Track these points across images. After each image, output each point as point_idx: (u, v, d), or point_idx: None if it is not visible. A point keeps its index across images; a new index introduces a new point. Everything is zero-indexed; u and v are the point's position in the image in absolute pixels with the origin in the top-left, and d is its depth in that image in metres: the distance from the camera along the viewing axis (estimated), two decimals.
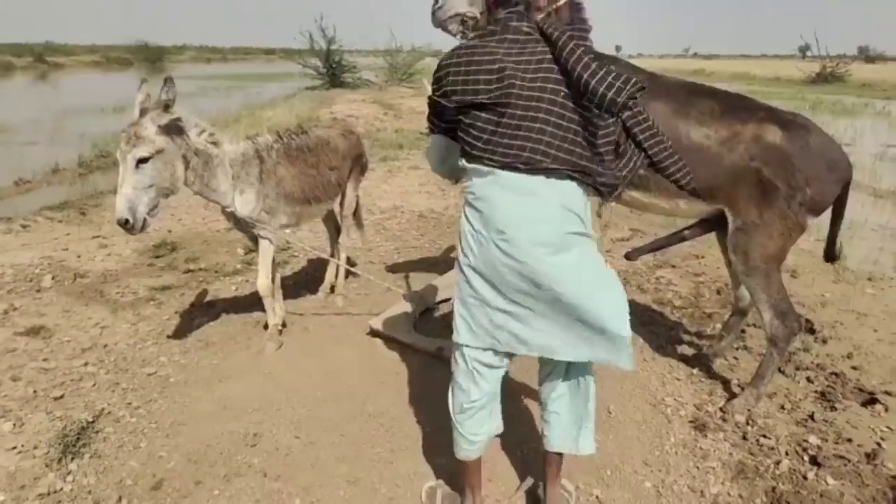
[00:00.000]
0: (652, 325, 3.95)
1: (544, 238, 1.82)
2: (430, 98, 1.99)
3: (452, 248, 5.37)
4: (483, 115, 1.83)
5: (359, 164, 4.17)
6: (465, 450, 2.12)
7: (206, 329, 3.80)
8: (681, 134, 2.78)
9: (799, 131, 2.76)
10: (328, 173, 3.74)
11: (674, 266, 5.03)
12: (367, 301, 4.24)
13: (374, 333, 3.65)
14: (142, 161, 2.74)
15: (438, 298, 4.08)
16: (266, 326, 3.58)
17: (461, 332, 2.01)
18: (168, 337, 3.67)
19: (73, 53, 54.99)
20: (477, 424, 2.08)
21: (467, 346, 2.01)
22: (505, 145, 1.82)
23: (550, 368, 2.12)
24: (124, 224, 2.73)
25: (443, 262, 5.01)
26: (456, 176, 2.21)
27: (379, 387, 3.15)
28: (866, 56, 77.64)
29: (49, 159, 8.91)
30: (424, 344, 3.44)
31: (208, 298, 4.26)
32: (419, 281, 4.47)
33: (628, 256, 3.31)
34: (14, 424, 2.78)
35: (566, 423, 2.15)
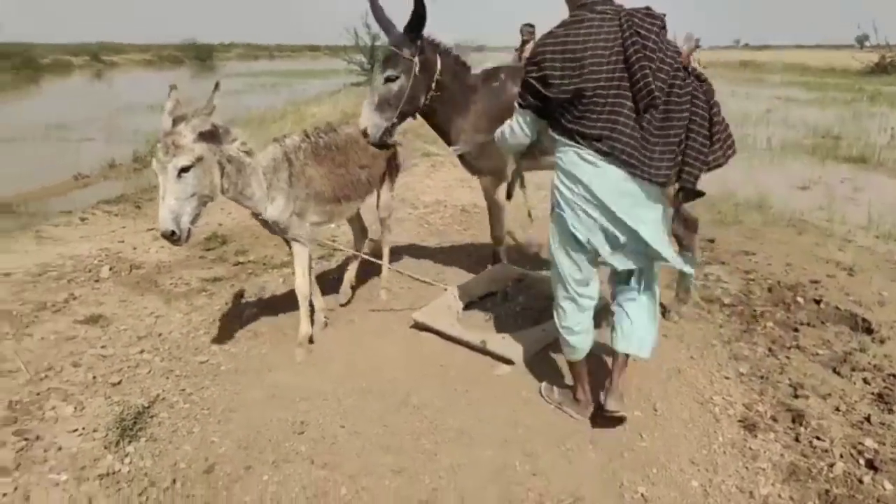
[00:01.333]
0: (700, 323, 3.87)
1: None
2: (524, 77, 2.41)
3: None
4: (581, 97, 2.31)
5: (392, 163, 4.12)
6: (575, 351, 2.75)
7: (255, 320, 3.89)
8: None
9: None
10: (358, 171, 3.69)
11: (723, 262, 4.92)
12: (410, 295, 4.27)
13: (418, 326, 3.68)
14: (183, 170, 2.69)
15: (481, 293, 4.08)
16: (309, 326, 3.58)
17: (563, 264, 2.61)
18: (219, 327, 3.77)
19: (126, 52, 56.69)
20: (579, 339, 2.72)
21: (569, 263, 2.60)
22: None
23: (622, 280, 2.72)
24: (170, 236, 2.67)
25: (486, 257, 5.01)
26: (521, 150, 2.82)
27: (423, 379, 3.17)
28: None
29: (105, 155, 9.25)
30: (469, 337, 3.45)
31: (257, 290, 4.36)
32: (462, 275, 4.48)
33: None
34: (75, 408, 2.91)
35: (636, 328, 2.70)
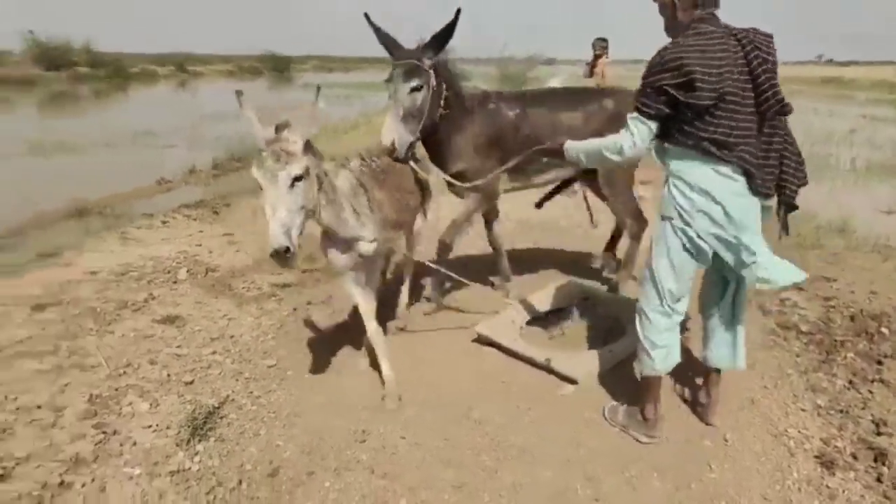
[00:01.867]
0: (775, 350, 3.71)
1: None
2: (653, 85, 2.35)
3: (557, 254, 5.31)
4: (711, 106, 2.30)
5: (426, 189, 3.87)
6: (653, 365, 2.67)
7: (321, 326, 3.97)
8: (561, 121, 3.89)
9: (621, 95, 4.04)
10: (408, 196, 3.52)
11: (801, 288, 4.70)
12: (473, 306, 4.25)
13: (480, 340, 3.67)
14: (296, 180, 2.45)
15: (546, 309, 4.03)
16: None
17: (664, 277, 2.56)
18: (287, 332, 3.87)
19: (209, 63, 59.22)
20: (662, 354, 2.66)
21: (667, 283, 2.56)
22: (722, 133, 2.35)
23: (718, 295, 2.77)
24: (284, 252, 2.36)
25: (547, 268, 4.97)
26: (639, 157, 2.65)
27: (484, 394, 3.16)
28: None
29: (187, 161, 9.69)
30: (533, 354, 3.41)
31: (323, 297, 4.45)
32: (523, 287, 4.42)
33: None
34: (150, 405, 3.04)
35: (737, 341, 2.81)
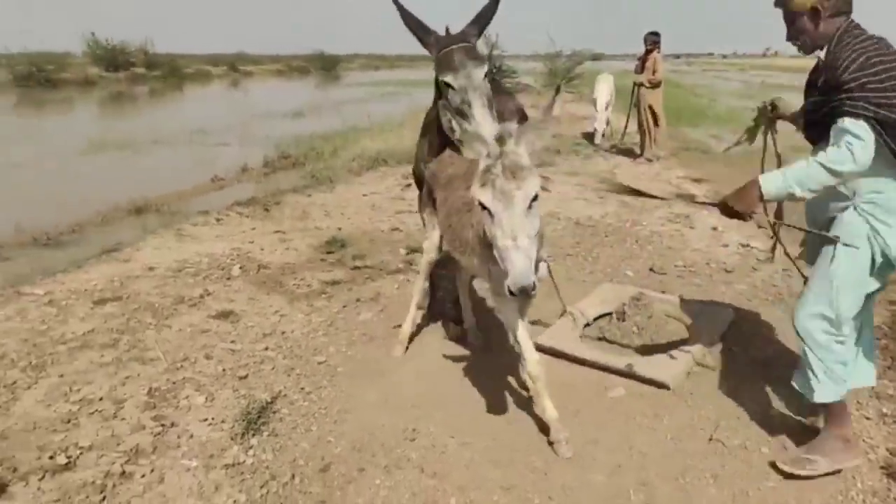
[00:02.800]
0: None
1: None
2: (865, 86, 2.19)
3: (609, 257, 5.22)
4: None
5: None
6: (837, 393, 2.51)
7: (370, 324, 4.01)
8: None
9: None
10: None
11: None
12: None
13: (545, 352, 3.40)
14: (533, 200, 2.13)
15: (596, 314, 3.93)
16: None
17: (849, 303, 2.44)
18: (337, 329, 3.92)
19: (260, 63, 60.36)
20: (843, 381, 2.51)
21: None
22: None
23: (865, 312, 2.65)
24: (531, 289, 2.03)
25: (598, 271, 4.89)
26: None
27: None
28: None
29: (239, 159, 9.92)
30: (609, 361, 3.31)
31: (373, 295, 4.49)
32: (573, 290, 4.34)
33: None
34: (206, 398, 3.12)
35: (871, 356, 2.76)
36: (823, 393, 2.49)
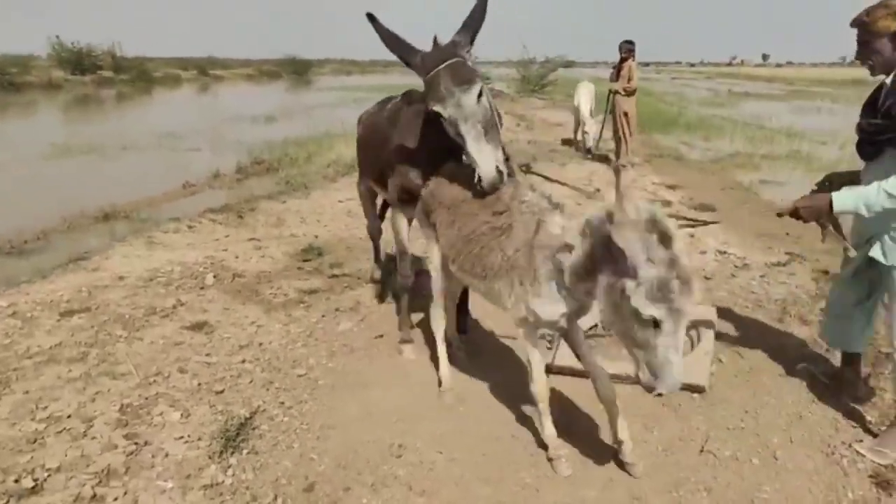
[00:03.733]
0: (817, 362, 3.56)
1: None
2: None
3: None
4: None
5: None
6: None
7: (350, 334, 3.91)
8: None
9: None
10: None
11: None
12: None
13: (563, 373, 3.33)
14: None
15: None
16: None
17: None
18: (316, 340, 3.81)
19: (230, 67, 59.77)
20: None
21: None
22: None
23: (864, 295, 2.92)
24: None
25: None
26: None
27: (522, 408, 3.06)
28: None
29: (211, 165, 9.71)
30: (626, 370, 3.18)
31: (352, 304, 4.39)
32: None
33: None
34: (181, 415, 2.99)
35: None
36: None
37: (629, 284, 1.90)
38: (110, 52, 41.61)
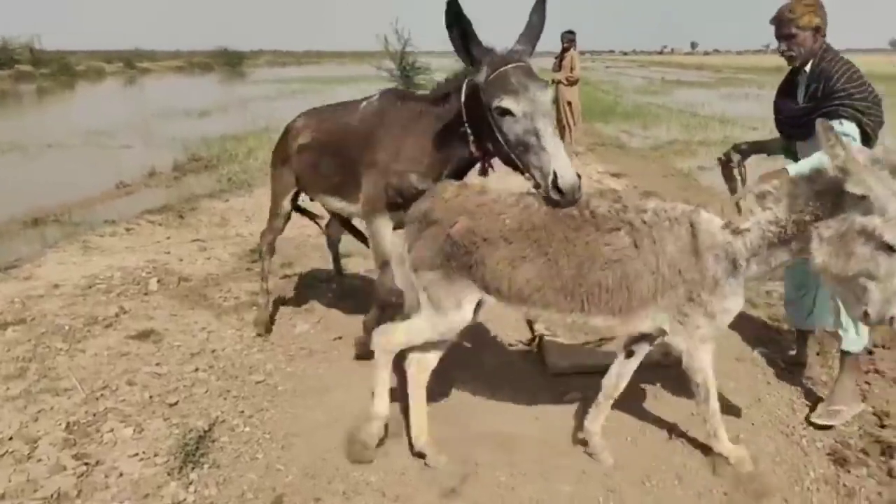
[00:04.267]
0: (769, 345, 3.67)
1: None
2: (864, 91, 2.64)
3: None
4: None
5: None
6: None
7: (308, 336, 3.80)
8: None
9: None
10: None
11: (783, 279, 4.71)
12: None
13: (566, 373, 3.28)
14: None
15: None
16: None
17: None
18: (272, 343, 3.69)
19: (158, 59, 57.70)
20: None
21: None
22: None
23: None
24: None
25: None
26: None
27: (494, 406, 3.03)
28: None
29: (145, 162, 9.32)
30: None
31: (307, 305, 4.27)
32: None
33: None
34: (134, 430, 2.84)
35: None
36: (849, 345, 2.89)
37: (877, 222, 1.94)
38: (28, 46, 39.61)
